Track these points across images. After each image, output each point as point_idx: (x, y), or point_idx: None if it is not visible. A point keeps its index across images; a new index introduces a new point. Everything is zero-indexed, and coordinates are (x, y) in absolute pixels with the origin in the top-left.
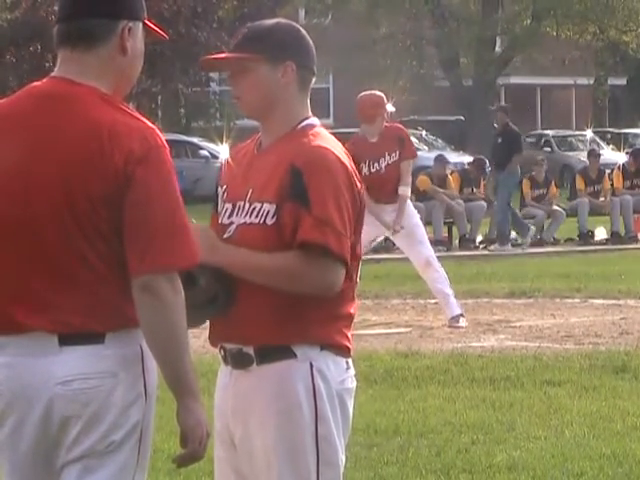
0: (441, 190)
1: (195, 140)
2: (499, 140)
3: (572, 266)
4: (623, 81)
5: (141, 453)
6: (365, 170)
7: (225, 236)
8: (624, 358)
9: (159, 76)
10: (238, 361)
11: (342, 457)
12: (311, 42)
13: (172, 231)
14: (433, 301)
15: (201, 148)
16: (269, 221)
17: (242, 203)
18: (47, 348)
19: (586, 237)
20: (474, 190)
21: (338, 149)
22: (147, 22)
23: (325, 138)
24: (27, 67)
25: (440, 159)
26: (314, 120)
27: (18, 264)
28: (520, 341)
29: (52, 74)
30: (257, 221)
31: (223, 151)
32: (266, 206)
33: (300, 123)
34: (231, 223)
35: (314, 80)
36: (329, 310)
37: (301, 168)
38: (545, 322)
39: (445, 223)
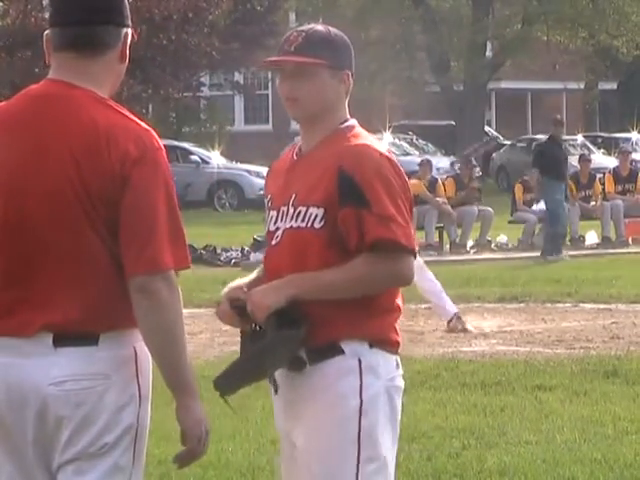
0: (430, 195)
1: (186, 145)
2: None
3: (563, 271)
4: (614, 85)
5: (136, 455)
6: None
7: (273, 243)
8: (615, 362)
9: (150, 81)
10: (293, 365)
11: (389, 455)
12: None
13: (167, 232)
14: (424, 306)
15: (192, 153)
16: (317, 225)
17: (285, 208)
18: (41, 349)
19: (577, 242)
20: (465, 195)
21: (380, 145)
22: None
23: (365, 137)
24: (18, 74)
25: (425, 163)
26: (353, 121)
27: (16, 264)
28: (511, 346)
29: (49, 77)
30: (304, 225)
31: (214, 156)
32: (312, 210)
33: (340, 125)
34: (277, 229)
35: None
36: (376, 305)
37: (350, 171)
38: (536, 327)
39: (436, 228)
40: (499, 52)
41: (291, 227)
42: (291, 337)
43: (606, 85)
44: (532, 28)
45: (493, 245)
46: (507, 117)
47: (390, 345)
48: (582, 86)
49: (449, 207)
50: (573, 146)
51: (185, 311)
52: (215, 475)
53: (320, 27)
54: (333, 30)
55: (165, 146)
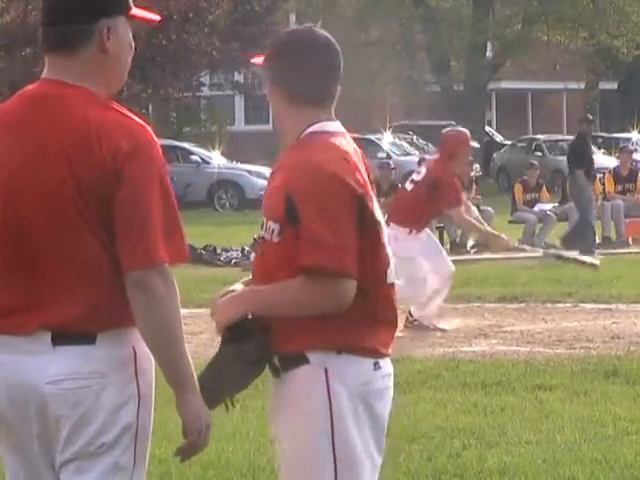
0: None
1: (186, 145)
2: None
3: (563, 271)
4: (614, 85)
5: (138, 455)
6: None
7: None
8: (615, 362)
9: (150, 81)
10: (271, 371)
11: (367, 461)
12: (320, 59)
13: (162, 226)
14: None
15: (192, 153)
16: (275, 239)
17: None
18: (40, 347)
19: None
20: (465, 195)
21: (328, 155)
22: (133, 12)
23: (316, 147)
24: (18, 72)
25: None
26: (316, 127)
27: (15, 264)
28: (511, 346)
29: (43, 76)
30: (268, 237)
31: (215, 156)
32: (271, 224)
33: (302, 133)
34: (259, 235)
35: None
36: (342, 315)
37: (290, 189)
38: (536, 327)
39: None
40: (499, 52)
41: (262, 237)
42: (240, 353)
43: (606, 85)
44: (532, 28)
45: None
46: (507, 117)
47: (362, 351)
48: (582, 86)
49: None
50: None
51: (185, 311)
52: (215, 475)
53: (285, 31)
54: (294, 33)
55: (165, 146)
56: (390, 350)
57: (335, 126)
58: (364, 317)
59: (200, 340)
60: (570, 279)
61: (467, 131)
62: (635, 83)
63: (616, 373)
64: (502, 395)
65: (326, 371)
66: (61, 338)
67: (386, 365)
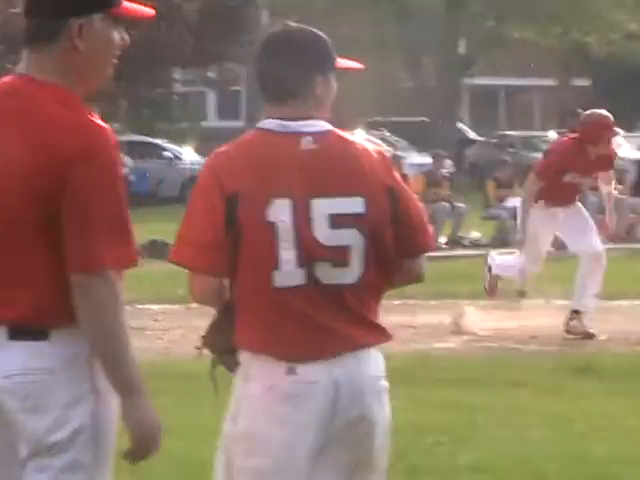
0: None
1: (159, 141)
2: None
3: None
4: (587, 82)
5: (98, 454)
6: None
7: None
8: (588, 359)
9: (122, 78)
10: None
11: (268, 459)
12: (275, 58)
13: (109, 231)
14: (397, 302)
15: (165, 149)
16: None
17: None
18: None
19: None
20: (436, 191)
21: (218, 151)
22: (122, 9)
23: (227, 145)
24: None
25: (396, 158)
26: (261, 123)
27: None
28: (485, 342)
29: (16, 69)
30: None
31: (186, 152)
32: None
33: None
34: None
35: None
36: (247, 318)
37: None
38: (510, 323)
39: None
40: (472, 49)
41: None
42: (208, 340)
43: (580, 82)
44: (505, 25)
45: (467, 242)
46: (480, 113)
47: (272, 353)
48: (555, 83)
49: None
50: (546, 142)
51: (157, 307)
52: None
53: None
54: (268, 33)
55: (138, 142)
56: (317, 356)
57: (277, 124)
58: (264, 321)
59: (171, 337)
60: (540, 275)
61: (609, 115)
62: (608, 80)
63: (588, 370)
64: (474, 392)
65: (247, 371)
66: (17, 334)
67: (308, 372)
